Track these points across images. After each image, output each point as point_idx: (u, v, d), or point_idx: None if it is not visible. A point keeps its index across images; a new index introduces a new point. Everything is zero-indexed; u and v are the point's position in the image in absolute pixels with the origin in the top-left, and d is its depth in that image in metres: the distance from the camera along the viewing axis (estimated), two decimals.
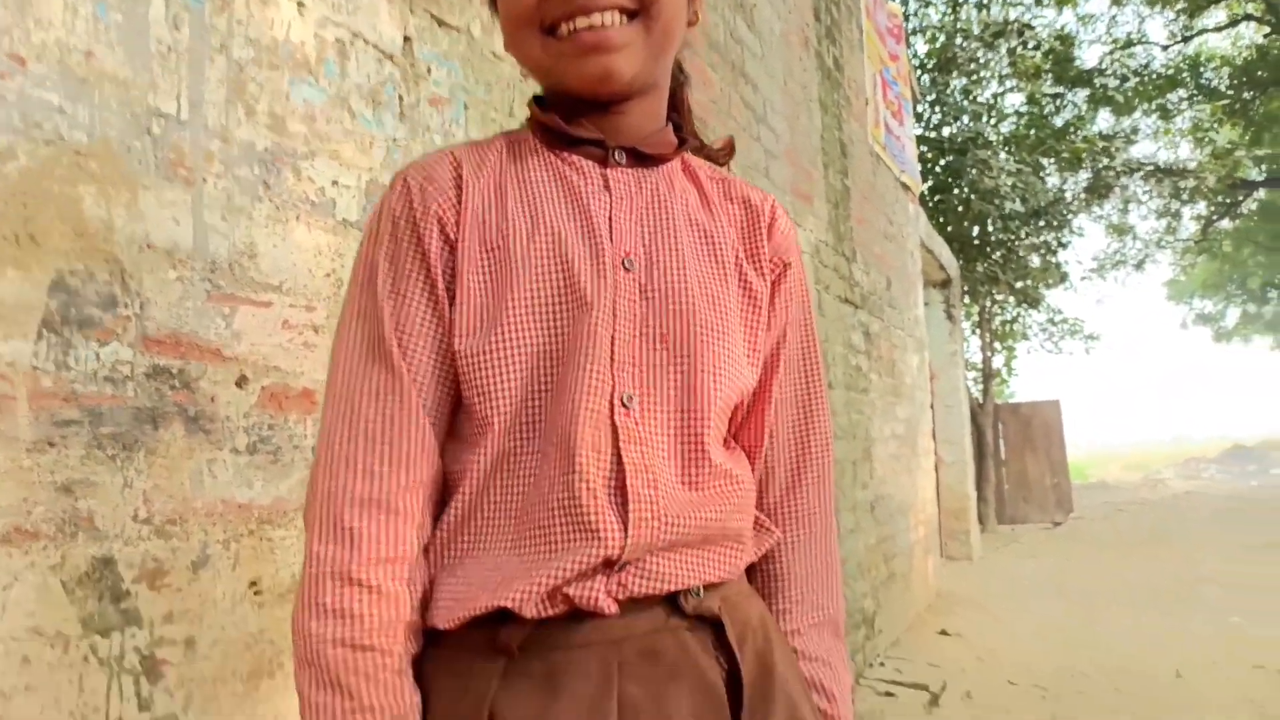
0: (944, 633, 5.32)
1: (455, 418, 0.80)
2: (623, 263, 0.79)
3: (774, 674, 0.80)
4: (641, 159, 0.85)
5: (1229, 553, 8.59)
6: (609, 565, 0.73)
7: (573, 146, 0.84)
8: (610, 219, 0.81)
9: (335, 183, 1.49)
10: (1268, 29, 15.75)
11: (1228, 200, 17.21)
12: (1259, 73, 15.86)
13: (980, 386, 11.89)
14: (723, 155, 0.95)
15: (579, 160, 0.83)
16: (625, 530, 0.73)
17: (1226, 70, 16.67)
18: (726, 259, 0.86)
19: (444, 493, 0.79)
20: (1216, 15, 16.91)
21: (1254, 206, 19.25)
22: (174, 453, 1.22)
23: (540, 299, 0.77)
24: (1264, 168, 18.27)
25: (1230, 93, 16.22)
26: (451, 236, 0.78)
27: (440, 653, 0.76)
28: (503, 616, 0.73)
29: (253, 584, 1.32)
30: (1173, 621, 5.46)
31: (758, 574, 0.92)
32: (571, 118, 0.83)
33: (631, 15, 0.77)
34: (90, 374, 1.14)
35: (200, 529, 1.25)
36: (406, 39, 1.66)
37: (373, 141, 1.57)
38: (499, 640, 0.73)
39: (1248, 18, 16.43)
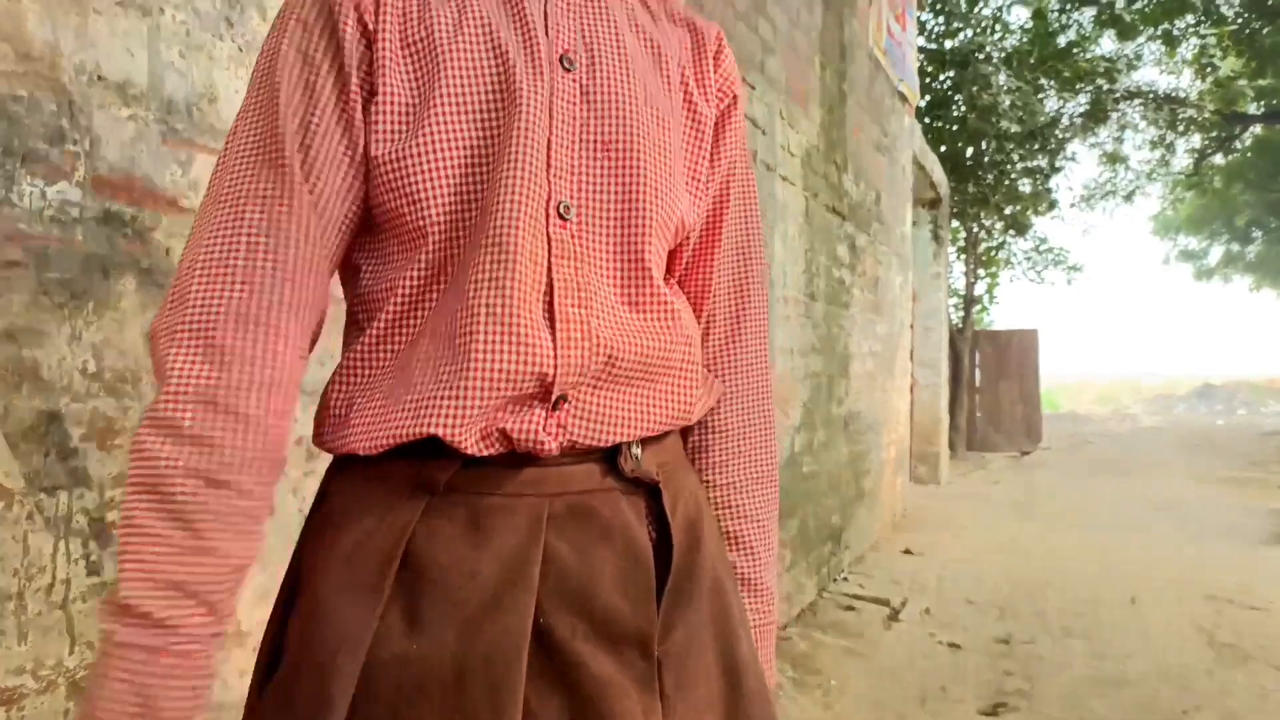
0: (907, 551, 5.41)
1: (372, 232, 0.74)
2: (561, 60, 0.74)
3: (702, 550, 0.77)
4: None
5: (1188, 485, 8.78)
6: (545, 395, 0.69)
7: None
8: (545, 12, 0.76)
9: None
10: None
11: (1222, 134, 17.03)
12: (1269, 1, 15.50)
13: (961, 312, 11.89)
14: None
15: None
16: (555, 352, 0.68)
17: None
18: (673, 74, 0.82)
19: (363, 312, 0.74)
20: None
21: (1249, 141, 19.07)
22: (126, 306, 1.15)
23: (469, 96, 0.70)
24: (1263, 102, 18.05)
25: (1242, 19, 15.88)
26: (370, 27, 0.71)
27: (353, 482, 0.71)
28: (427, 448, 0.68)
29: None
30: (1130, 549, 5.58)
31: (694, 425, 0.88)
32: None
33: None
34: (35, 213, 1.06)
35: (153, 389, 1.19)
36: None
37: None
38: (422, 476, 0.68)
39: None
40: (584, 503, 0.71)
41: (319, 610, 0.67)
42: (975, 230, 11.49)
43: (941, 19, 9.97)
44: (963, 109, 9.53)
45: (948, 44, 10.00)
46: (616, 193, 0.74)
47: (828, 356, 4.44)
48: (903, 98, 6.22)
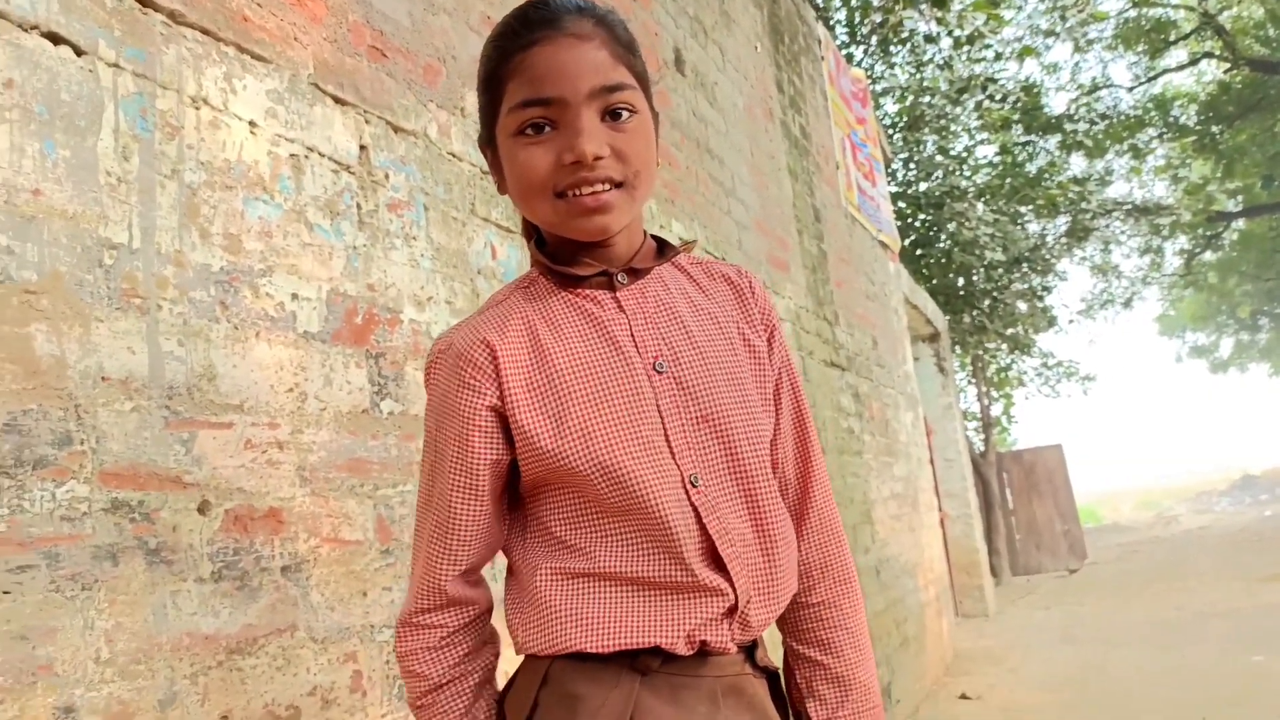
0: (964, 696, 5.19)
1: (569, 498, 0.99)
2: (654, 366, 0.99)
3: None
4: (637, 273, 1.03)
5: (1243, 586, 8.44)
6: (731, 614, 0.95)
7: (583, 281, 1.01)
8: (633, 334, 1.00)
9: (295, 296, 1.49)
10: (1228, 64, 16.15)
11: (1207, 233, 17.41)
12: (1225, 107, 16.21)
13: (981, 436, 11.83)
14: (689, 249, 1.15)
15: (592, 292, 1.02)
16: (733, 586, 0.95)
17: (1193, 107, 17.04)
18: (731, 331, 1.06)
19: (564, 549, 0.99)
20: (1178, 55, 17.36)
21: (1234, 237, 19.45)
22: (135, 588, 1.19)
23: (591, 420, 0.95)
24: (1239, 199, 18.53)
25: (1199, 128, 16.54)
26: (497, 405, 0.97)
27: (580, 667, 0.95)
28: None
29: (224, 718, 1.27)
30: (1192, 661, 5.34)
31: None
32: (573, 254, 1.02)
33: (618, 184, 0.96)
34: (46, 514, 1.11)
35: (166, 665, 1.21)
36: (362, 148, 1.68)
37: (332, 252, 1.57)
38: (638, 664, 0.94)
39: (1207, 55, 16.86)
40: (738, 684, 0.98)
41: None
42: (981, 355, 11.59)
43: (913, 166, 10.41)
44: (947, 244, 9.82)
45: (922, 186, 10.40)
46: (721, 453, 0.99)
47: (846, 507, 4.41)
48: (884, 246, 6.44)
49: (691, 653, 0.95)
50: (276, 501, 1.39)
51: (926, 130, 10.55)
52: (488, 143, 1.04)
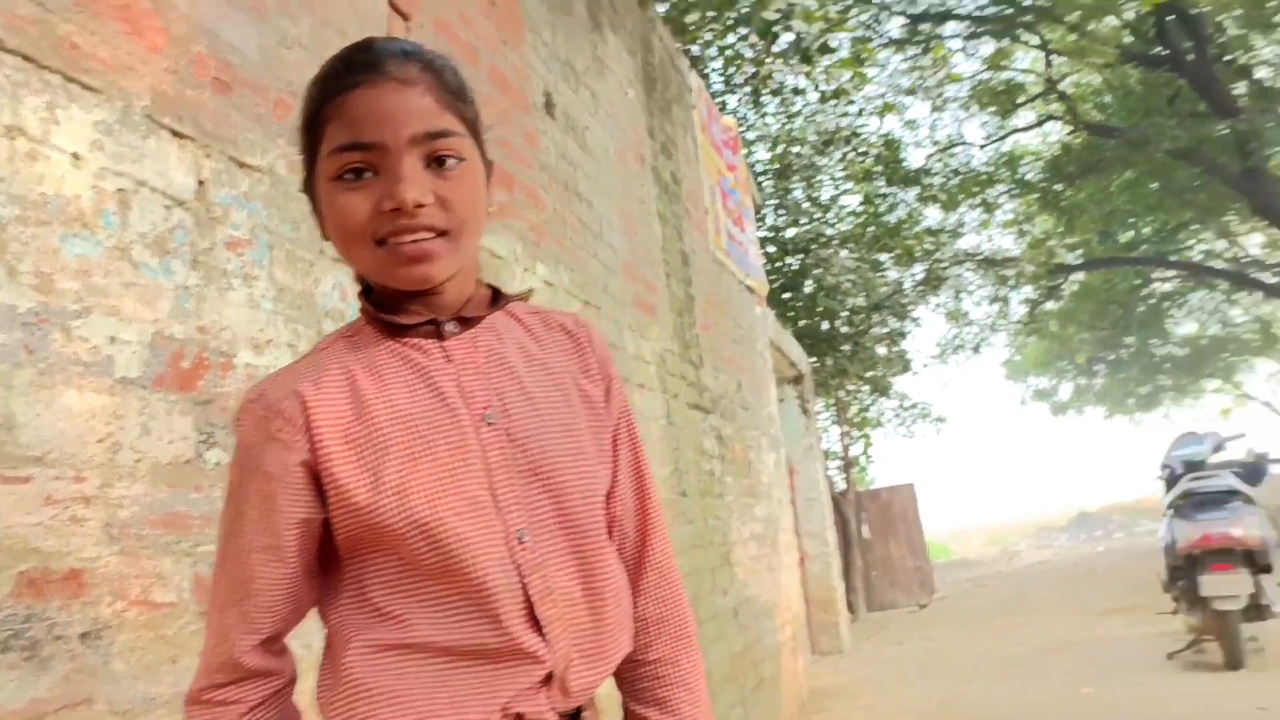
0: None
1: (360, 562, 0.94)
2: (484, 419, 0.95)
3: None
4: (468, 322, 1.00)
5: (1080, 620, 8.97)
6: (547, 681, 0.91)
7: (410, 330, 0.98)
8: (460, 384, 0.96)
9: (113, 339, 1.39)
10: (1070, 127, 17.41)
11: (1049, 284, 18.62)
12: (1067, 166, 17.45)
13: (843, 475, 12.22)
14: (526, 298, 1.13)
15: (418, 341, 0.98)
16: (549, 648, 0.91)
17: (1038, 165, 18.28)
18: (565, 382, 1.03)
19: (355, 629, 0.93)
20: (1026, 116, 18.62)
21: (1074, 288, 20.88)
22: None
23: (410, 474, 0.90)
24: (1079, 253, 19.94)
25: (1043, 185, 17.74)
26: (309, 460, 0.92)
27: None
28: None
29: None
30: (1030, 693, 5.62)
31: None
32: (400, 302, 0.98)
33: (443, 233, 0.93)
34: None
35: None
36: (201, 183, 1.60)
37: (160, 292, 1.48)
38: None
39: (1051, 118, 18.15)
40: None
41: None
42: (842, 398, 12.00)
43: (782, 212, 10.76)
44: (812, 289, 10.16)
45: (790, 232, 10.75)
46: (552, 508, 0.95)
47: (706, 549, 4.46)
48: (751, 290, 6.60)
49: None
50: (78, 562, 1.28)
51: (796, 178, 10.94)
52: (307, 187, 1.00)
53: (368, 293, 1.01)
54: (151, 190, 1.50)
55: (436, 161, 0.93)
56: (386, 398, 0.94)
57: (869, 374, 11.30)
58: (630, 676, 1.08)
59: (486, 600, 0.90)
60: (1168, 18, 14.24)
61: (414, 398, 0.95)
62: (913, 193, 14.20)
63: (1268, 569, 5.74)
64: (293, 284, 1.78)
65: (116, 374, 1.39)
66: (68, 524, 1.28)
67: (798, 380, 9.13)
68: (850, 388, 11.60)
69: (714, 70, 9.35)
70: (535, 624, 0.92)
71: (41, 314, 1.30)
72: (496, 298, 1.05)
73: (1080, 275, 20.36)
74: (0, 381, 1.22)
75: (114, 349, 1.40)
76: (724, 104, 9.83)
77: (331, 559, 0.98)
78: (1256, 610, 5.71)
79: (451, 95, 0.97)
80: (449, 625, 0.90)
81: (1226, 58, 15.24)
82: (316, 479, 0.93)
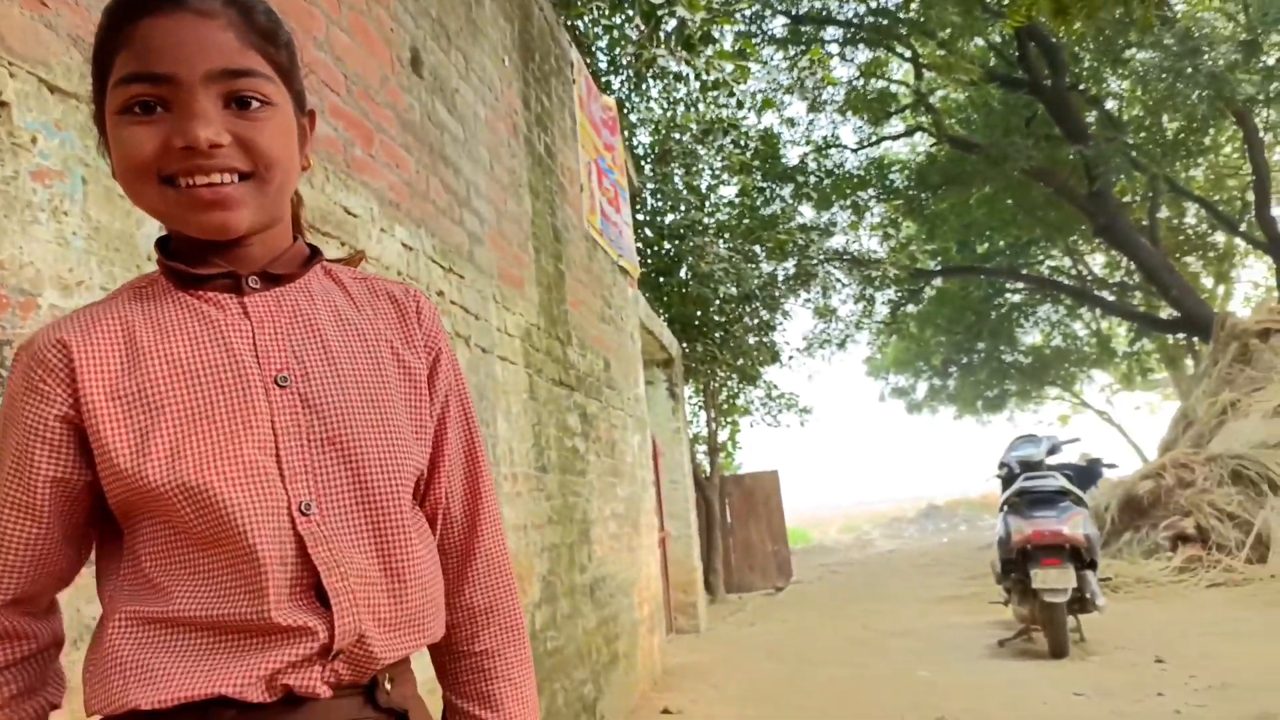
0: (666, 711, 5.37)
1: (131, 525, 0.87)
2: (275, 380, 0.88)
3: None
4: (275, 279, 0.93)
5: (919, 607, 9.44)
6: (324, 654, 0.84)
7: (205, 282, 0.91)
8: (255, 343, 0.89)
9: None
10: (935, 139, 18.21)
11: (911, 287, 19.45)
12: (931, 176, 18.25)
13: (709, 460, 12.43)
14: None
15: (214, 295, 0.90)
16: (331, 625, 0.84)
17: (906, 173, 19.05)
18: (381, 351, 0.96)
19: (118, 586, 0.87)
20: (896, 125, 19.36)
21: (933, 293, 21.90)
22: None
23: (184, 436, 0.84)
24: (939, 259, 20.92)
25: (909, 192, 18.51)
26: (70, 416, 0.85)
27: None
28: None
29: None
30: (871, 679, 5.86)
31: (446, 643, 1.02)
32: (199, 254, 0.90)
33: (245, 175, 0.86)
34: None
35: None
36: (3, 104, 1.46)
37: None
38: (208, 718, 0.82)
39: (920, 128, 18.93)
40: None
41: None
42: (712, 384, 12.20)
43: (660, 197, 10.82)
44: (686, 275, 10.27)
45: (669, 218, 10.83)
46: (349, 479, 0.88)
47: (566, 526, 4.44)
48: (624, 271, 6.61)
49: (273, 699, 0.83)
50: None
51: (675, 164, 11.01)
52: (98, 119, 0.91)
53: (165, 244, 0.94)
54: None
55: (238, 103, 0.86)
56: (166, 352, 0.87)
57: (738, 362, 11.52)
58: (453, 669, 1.03)
59: (255, 573, 0.83)
60: (1030, 44, 15.06)
61: (197, 353, 0.88)
62: (788, 189, 14.56)
63: (1093, 565, 6.18)
64: (110, 223, 1.65)
65: None
66: None
67: (667, 364, 9.22)
68: (720, 374, 11.80)
69: (599, 49, 9.30)
70: (315, 597, 0.85)
71: None
72: (313, 259, 0.98)
73: (939, 281, 21.38)
74: None
75: None
76: (607, 84, 9.80)
77: (110, 527, 0.91)
78: (1080, 603, 6.16)
79: (259, 35, 0.90)
80: (214, 599, 0.83)
81: (1081, 86, 16.27)
82: (80, 436, 0.86)
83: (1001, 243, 20.75)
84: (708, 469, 12.31)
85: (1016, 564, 6.34)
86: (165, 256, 0.92)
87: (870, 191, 17.92)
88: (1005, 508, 6.71)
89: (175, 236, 0.92)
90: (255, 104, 0.87)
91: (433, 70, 3.31)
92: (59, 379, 0.86)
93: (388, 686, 0.91)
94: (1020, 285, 22.01)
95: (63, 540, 0.89)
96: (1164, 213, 18.70)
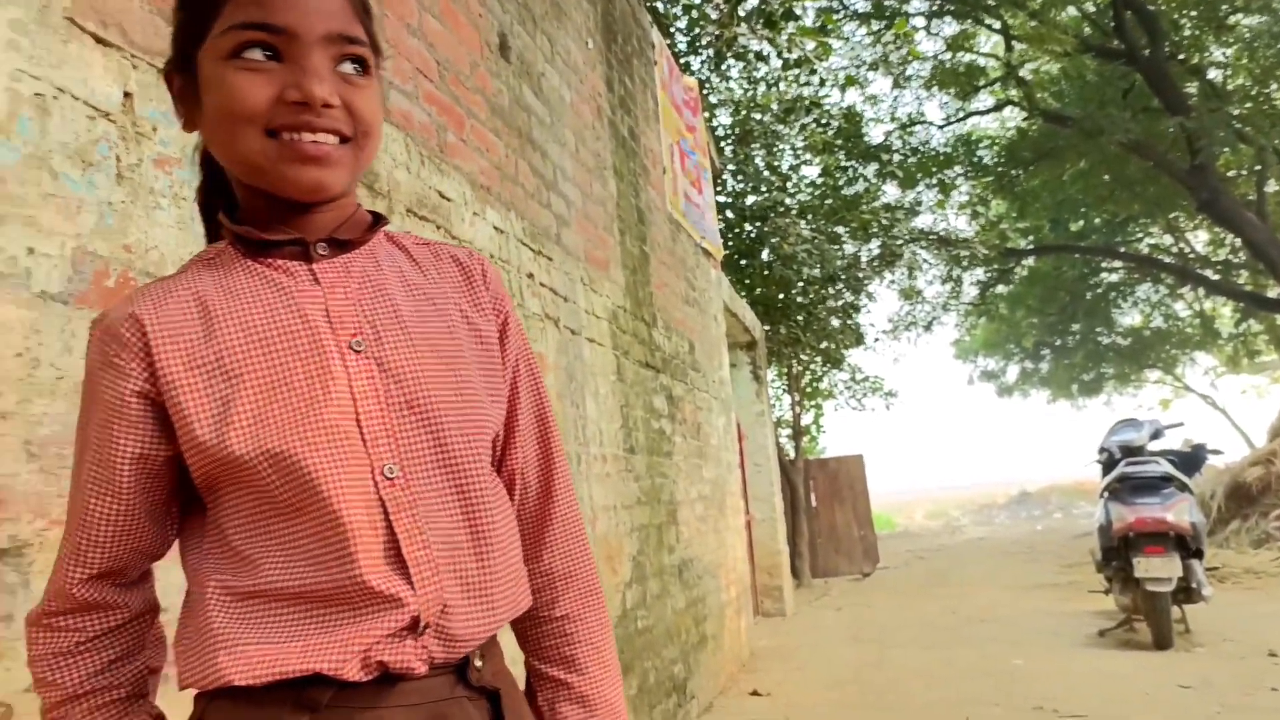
0: (755, 693, 5.37)
1: (217, 496, 0.87)
2: (350, 345, 0.88)
3: None
4: (341, 246, 0.93)
5: (1012, 594, 9.21)
6: (413, 627, 0.82)
7: (273, 249, 0.91)
8: (328, 309, 0.89)
9: (31, 251, 1.33)
10: (1027, 113, 17.60)
11: (1001, 267, 18.90)
12: (1022, 152, 17.65)
13: (792, 443, 12.35)
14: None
15: (283, 262, 0.90)
16: (414, 591, 0.82)
17: (995, 149, 18.47)
18: (450, 314, 0.96)
19: (208, 562, 0.87)
20: (985, 99, 18.77)
21: (1025, 273, 21.23)
22: None
23: (265, 402, 0.83)
24: (1030, 238, 20.26)
25: (999, 169, 17.94)
26: (147, 390, 0.85)
27: (233, 707, 0.82)
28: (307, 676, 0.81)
29: None
30: (961, 665, 5.76)
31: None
32: (268, 219, 0.90)
33: (344, 140, 0.87)
34: None
35: None
36: (127, 95, 1.53)
37: (81, 205, 1.42)
38: (304, 699, 0.80)
39: (1009, 103, 18.32)
40: (441, 710, 0.85)
41: None
42: (795, 366, 12.10)
43: (741, 178, 10.74)
44: (769, 257, 10.18)
45: (750, 199, 10.74)
46: (429, 442, 0.88)
47: (654, 507, 4.47)
48: (707, 253, 6.59)
49: (370, 678, 0.82)
50: None
51: (756, 145, 10.92)
52: (179, 67, 0.91)
53: (230, 211, 0.93)
54: (73, 98, 1.43)
55: (344, 68, 0.87)
56: (240, 320, 0.87)
57: (822, 345, 11.38)
58: (534, 634, 1.02)
59: (342, 539, 0.82)
60: (1126, 12, 14.41)
61: (272, 320, 0.87)
62: (872, 168, 14.28)
63: (1198, 554, 5.93)
64: None
65: (35, 287, 1.33)
66: None
67: (751, 346, 9.17)
68: (803, 357, 11.68)
69: (678, 29, 9.26)
70: (400, 566, 0.84)
71: None
72: (376, 225, 0.97)
73: (1031, 260, 20.69)
74: None
75: (32, 261, 1.34)
76: (687, 65, 9.76)
77: (194, 500, 0.92)
78: (1186, 593, 5.92)
79: (362, 8, 0.91)
80: (303, 568, 0.82)
81: (1181, 56, 15.50)
82: (159, 410, 0.86)
83: (1097, 220, 19.94)
84: (791, 453, 12.22)
85: (1118, 552, 6.14)
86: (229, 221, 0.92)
87: (957, 169, 17.44)
88: (1106, 494, 6.49)
89: (246, 202, 0.92)
90: (359, 71, 0.88)
91: (519, 54, 3.35)
92: (134, 353, 0.85)
93: (478, 664, 0.90)
94: (1117, 264, 21.13)
95: (146, 516, 0.89)
96: (1272, 186, 17.71)
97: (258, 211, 0.90)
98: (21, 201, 1.33)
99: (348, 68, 0.88)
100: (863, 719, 4.64)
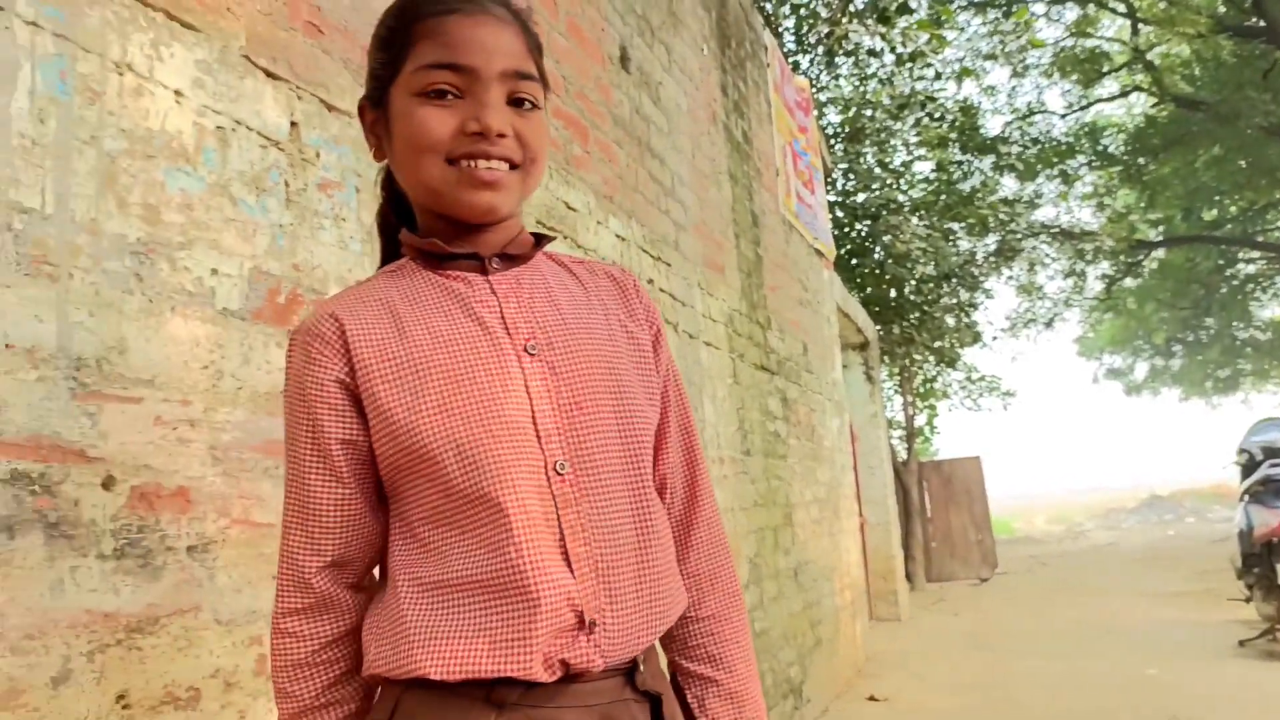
0: (872, 698, 5.31)
1: (396, 506, 0.95)
2: (525, 349, 0.94)
3: None
4: (511, 260, 1.01)
5: (1144, 603, 8.80)
6: (580, 624, 0.87)
7: (452, 262, 0.98)
8: (503, 316, 0.96)
9: (215, 271, 1.46)
10: (1155, 99, 16.76)
11: (1128, 260, 18.05)
12: (1151, 139, 16.82)
13: (905, 445, 12.10)
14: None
15: (461, 274, 0.98)
16: (577, 585, 0.88)
17: (1121, 137, 17.64)
18: (613, 323, 1.03)
19: (401, 555, 0.94)
20: (1110, 86, 17.97)
21: (1154, 265, 20.21)
22: (32, 562, 1.16)
23: (450, 395, 0.90)
24: (1161, 229, 19.27)
25: (1125, 158, 17.14)
26: (347, 380, 0.93)
27: (428, 698, 0.88)
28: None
29: (120, 697, 1.25)
30: (1090, 676, 5.55)
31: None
32: (445, 239, 0.98)
33: (514, 166, 0.95)
34: None
35: (61, 642, 1.18)
36: (293, 124, 1.65)
37: (256, 229, 1.55)
38: (493, 697, 0.87)
39: (1136, 88, 17.48)
40: (610, 712, 0.90)
41: None
42: (908, 366, 11.85)
43: (852, 176, 10.59)
44: (881, 256, 10.01)
45: (860, 197, 10.59)
46: (596, 442, 0.93)
47: (770, 509, 4.48)
48: (819, 254, 6.54)
49: (554, 678, 0.87)
50: (185, 480, 1.36)
51: (867, 142, 10.74)
52: (376, 104, 1.00)
53: (410, 229, 1.02)
54: (248, 129, 1.56)
55: (516, 102, 0.95)
56: (426, 324, 0.94)
57: (936, 344, 11.12)
58: (681, 634, 1.06)
59: (517, 528, 0.87)
60: None
61: (454, 325, 0.94)
62: (988, 161, 13.85)
63: None
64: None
65: (218, 305, 1.46)
66: (175, 444, 1.35)
67: (863, 347, 9.04)
68: (917, 357, 11.44)
69: (787, 29, 9.20)
70: (566, 559, 0.89)
71: (149, 244, 1.36)
72: (539, 244, 1.05)
73: (1161, 252, 19.70)
74: (113, 307, 1.30)
75: (216, 281, 1.46)
76: (796, 64, 9.69)
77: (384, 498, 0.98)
78: None
79: (534, 47, 1.00)
80: (482, 556, 0.88)
81: None
82: (357, 400, 0.93)
83: (1233, 208, 18.82)
84: (904, 455, 11.97)
85: (1260, 558, 5.82)
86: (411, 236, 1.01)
87: (1081, 159, 16.74)
88: (1247, 497, 6.16)
89: (425, 223, 1.00)
90: (528, 104, 0.96)
91: (639, 65, 3.42)
92: (334, 348, 0.93)
93: (643, 670, 0.94)
94: (1255, 254, 19.87)
95: (365, 502, 0.96)
96: None
97: (436, 232, 0.99)
98: (206, 226, 1.46)
99: (519, 101, 0.96)
100: None
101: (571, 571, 0.88)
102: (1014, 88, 16.50)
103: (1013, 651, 6.53)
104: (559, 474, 0.91)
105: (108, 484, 1.26)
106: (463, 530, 0.89)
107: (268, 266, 1.56)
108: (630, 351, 1.02)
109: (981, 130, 13.66)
